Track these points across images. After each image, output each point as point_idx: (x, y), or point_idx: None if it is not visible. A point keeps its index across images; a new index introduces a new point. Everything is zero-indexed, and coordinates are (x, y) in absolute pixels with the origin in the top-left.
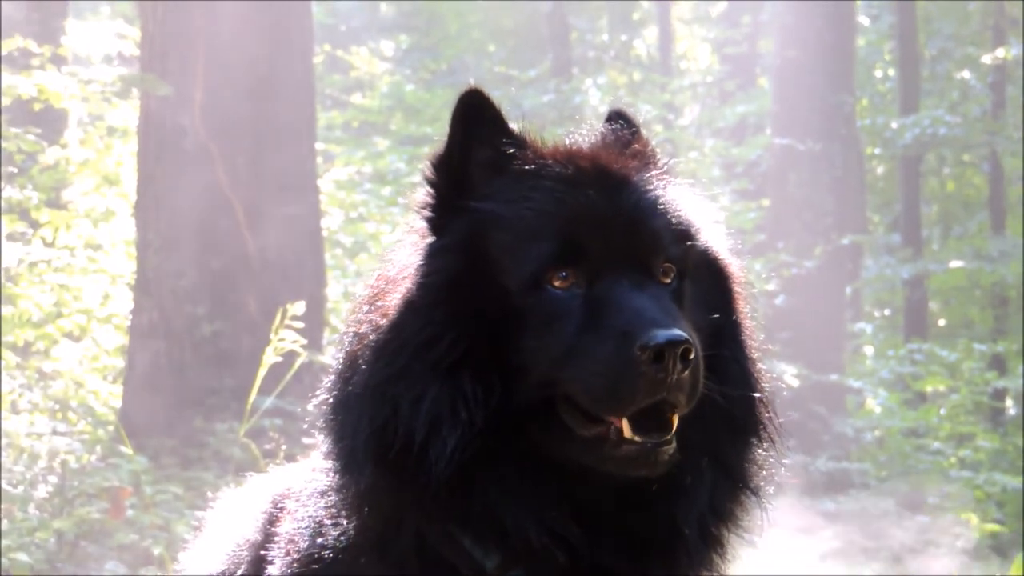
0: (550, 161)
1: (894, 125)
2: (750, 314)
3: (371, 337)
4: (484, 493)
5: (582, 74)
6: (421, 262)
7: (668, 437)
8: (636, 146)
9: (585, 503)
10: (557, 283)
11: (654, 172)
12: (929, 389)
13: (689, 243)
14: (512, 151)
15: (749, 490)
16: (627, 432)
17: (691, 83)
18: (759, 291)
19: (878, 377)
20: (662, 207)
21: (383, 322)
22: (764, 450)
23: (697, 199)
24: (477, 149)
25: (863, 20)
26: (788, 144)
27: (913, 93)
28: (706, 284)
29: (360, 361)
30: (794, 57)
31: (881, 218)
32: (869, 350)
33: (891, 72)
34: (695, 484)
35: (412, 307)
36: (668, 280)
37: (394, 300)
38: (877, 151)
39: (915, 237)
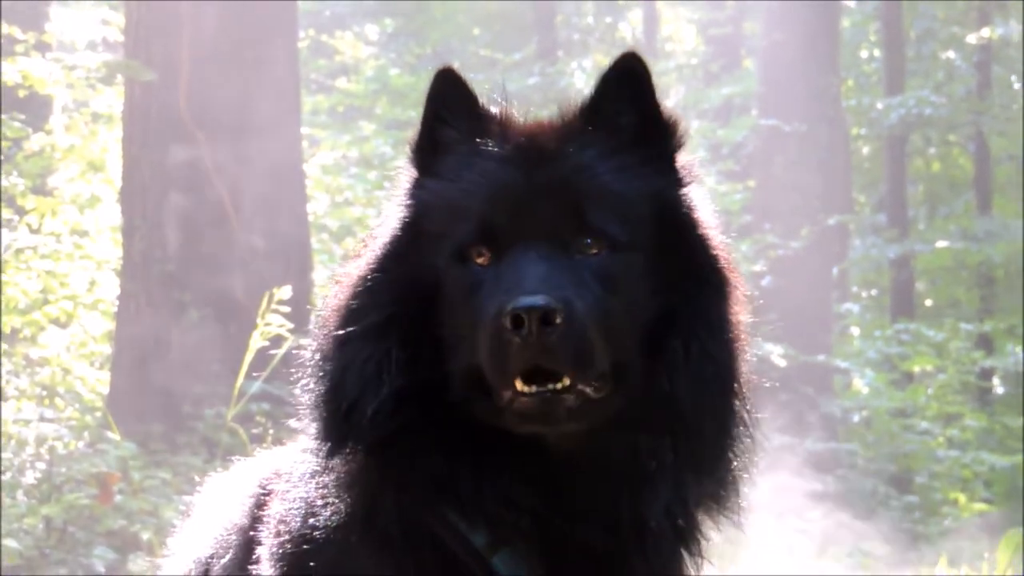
0: (493, 140)
1: (879, 106)
2: (731, 294)
3: (336, 305)
4: (431, 462)
5: (567, 57)
6: (382, 237)
7: (558, 387)
8: (604, 115)
9: (548, 476)
10: (479, 260)
11: (607, 144)
12: (916, 369)
13: (629, 217)
14: (469, 130)
15: (714, 478)
16: (520, 385)
17: (676, 65)
18: (746, 272)
19: (865, 357)
20: (591, 180)
21: (345, 292)
22: (723, 437)
23: (662, 177)
24: (443, 128)
25: (848, 1)
26: (774, 125)
27: (898, 74)
28: (666, 262)
29: (327, 330)
30: (780, 39)
31: (867, 199)
32: (856, 330)
33: (876, 53)
34: (659, 470)
35: (362, 278)
36: (594, 252)
37: (356, 271)
38: (863, 132)
39: (901, 217)
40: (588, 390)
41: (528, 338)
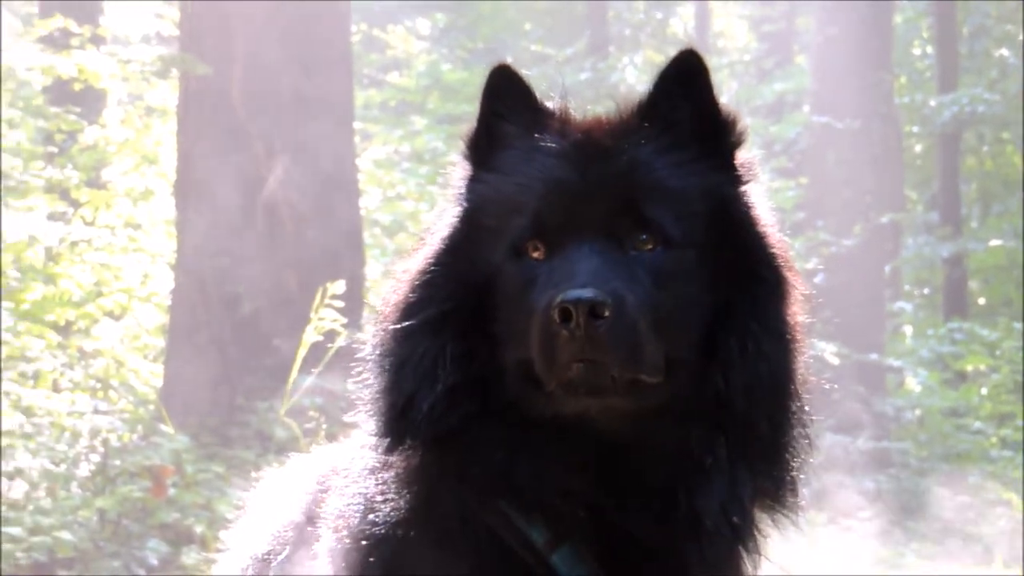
0: (550, 136)
1: (932, 103)
2: (788, 294)
3: (395, 299)
4: (488, 457)
5: (619, 52)
6: (440, 231)
7: (604, 359)
8: (662, 111)
9: (603, 470)
10: (534, 255)
11: (664, 140)
12: (969, 368)
13: (684, 213)
14: (527, 125)
15: (770, 477)
16: None
17: (728, 61)
18: (799, 270)
19: (918, 356)
20: (647, 176)
21: (404, 286)
22: (778, 436)
23: (720, 174)
24: (500, 123)
25: None
26: (827, 122)
27: (951, 71)
28: (722, 259)
29: (386, 324)
30: (833, 35)
31: (919, 196)
32: (909, 329)
33: (929, 49)
34: (714, 466)
35: (420, 272)
36: (649, 247)
37: (414, 266)
38: (915, 129)
39: (954, 215)
40: (640, 377)
41: (576, 331)
